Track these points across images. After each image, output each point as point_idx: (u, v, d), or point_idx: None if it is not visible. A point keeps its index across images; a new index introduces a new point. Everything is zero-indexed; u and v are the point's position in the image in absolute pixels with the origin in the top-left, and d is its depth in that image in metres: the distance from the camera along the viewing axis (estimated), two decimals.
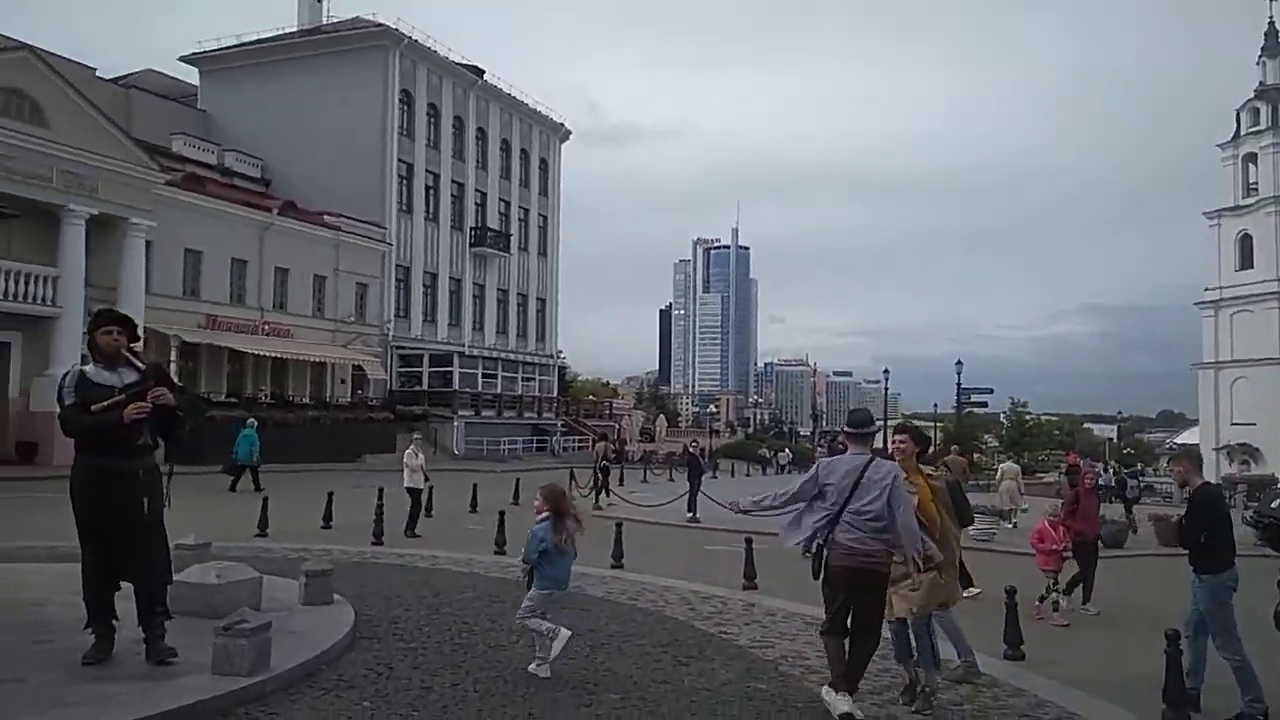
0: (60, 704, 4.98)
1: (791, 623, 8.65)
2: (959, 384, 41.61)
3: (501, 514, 13.85)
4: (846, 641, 5.67)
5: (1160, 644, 6.13)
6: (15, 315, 27.41)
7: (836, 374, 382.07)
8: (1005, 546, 16.04)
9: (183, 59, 49.74)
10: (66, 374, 5.83)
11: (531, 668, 6.31)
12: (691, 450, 21.90)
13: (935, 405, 69.18)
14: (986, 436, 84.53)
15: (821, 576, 5.81)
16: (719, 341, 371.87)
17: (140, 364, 5.87)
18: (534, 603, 6.36)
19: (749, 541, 11.18)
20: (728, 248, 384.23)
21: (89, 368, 5.78)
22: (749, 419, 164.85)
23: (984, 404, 46.74)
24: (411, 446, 16.25)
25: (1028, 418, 77.26)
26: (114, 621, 5.88)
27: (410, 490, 15.60)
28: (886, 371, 54.58)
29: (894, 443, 6.78)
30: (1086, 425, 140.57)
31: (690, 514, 19.58)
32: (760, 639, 7.90)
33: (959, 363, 41.79)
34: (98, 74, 40.28)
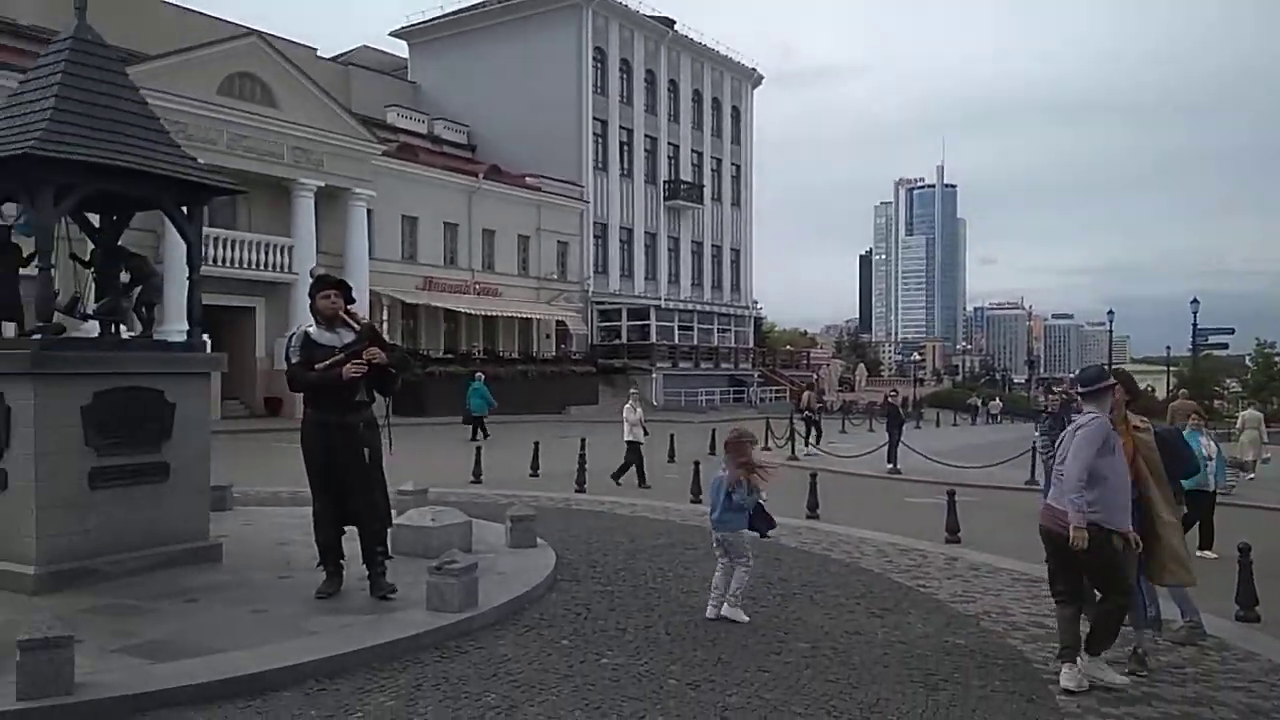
0: (300, 633, 5.55)
1: (996, 578, 8.30)
2: (1195, 324, 38.07)
3: (696, 464, 14.04)
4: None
5: None
6: (258, 282, 30.22)
7: (1055, 317, 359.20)
8: (1244, 500, 14.70)
9: (393, 33, 52.55)
10: (292, 335, 6.40)
11: (725, 610, 6.42)
12: (891, 400, 21.25)
13: (1168, 348, 63.81)
14: (1229, 381, 77.26)
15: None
16: (923, 286, 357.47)
17: (356, 325, 6.35)
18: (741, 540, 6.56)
19: (951, 494, 10.81)
20: (932, 187, 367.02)
21: (312, 329, 6.31)
22: (956, 367, 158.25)
23: (1224, 345, 42.56)
24: (630, 401, 16.69)
25: (1276, 360, 69.92)
26: (342, 561, 6.48)
27: (630, 444, 15.91)
28: (1111, 313, 50.83)
29: None
30: None
31: (890, 465, 19.10)
32: (961, 593, 7.64)
33: (1195, 301, 38.18)
34: (318, 54, 43.27)
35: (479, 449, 15.99)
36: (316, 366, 6.09)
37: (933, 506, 11.94)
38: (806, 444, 22.93)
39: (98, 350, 7.06)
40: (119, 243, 7.64)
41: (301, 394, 6.36)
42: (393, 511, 6.77)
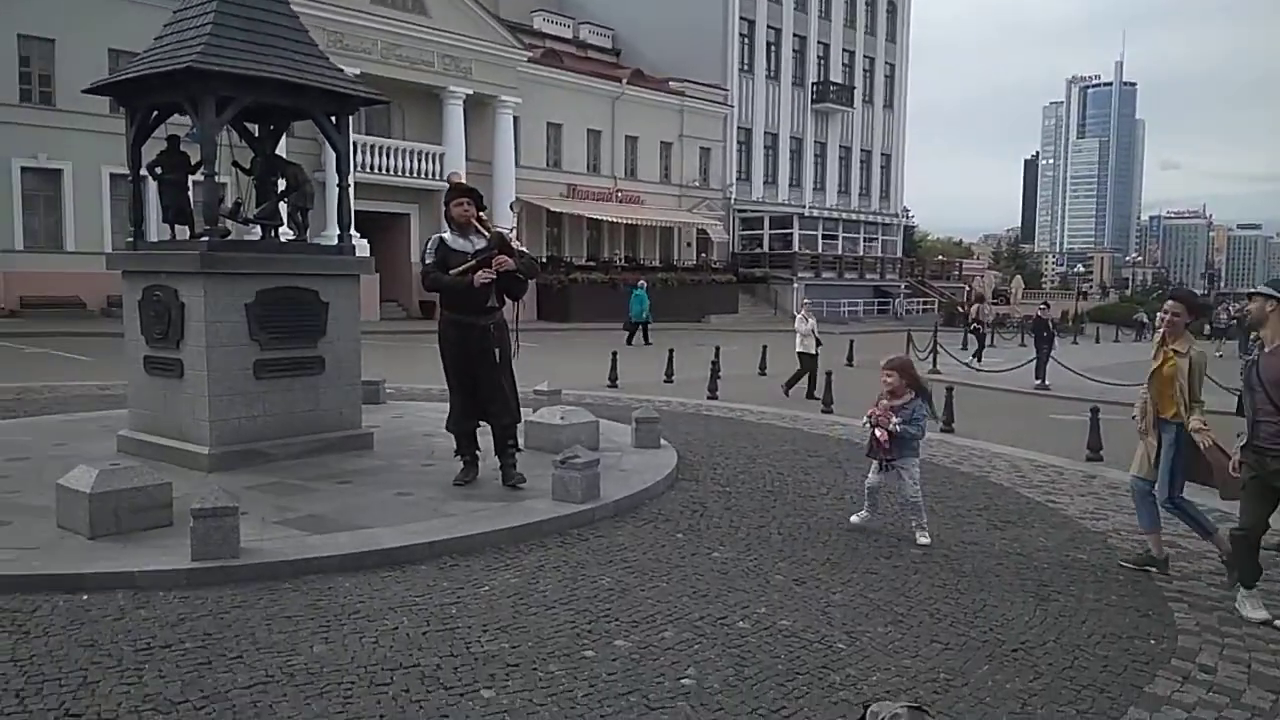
0: (438, 515, 6.04)
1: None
2: None
3: (829, 374, 13.98)
4: None
5: None
6: (412, 189, 31.40)
7: (1241, 227, 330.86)
8: None
9: None
10: (429, 240, 6.77)
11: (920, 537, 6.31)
12: (1041, 314, 20.36)
13: None
14: None
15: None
16: (1094, 193, 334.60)
17: (488, 232, 6.65)
18: (916, 469, 6.47)
19: (1095, 410, 10.44)
20: (1109, 85, 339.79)
21: (447, 235, 6.66)
22: (1126, 279, 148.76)
23: None
24: (802, 311, 16.10)
25: None
26: (477, 452, 6.94)
27: (801, 354, 15.43)
28: None
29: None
30: None
31: (1039, 381, 18.44)
32: (1092, 510, 7.47)
33: None
34: None
35: (615, 354, 16.37)
36: (451, 271, 6.44)
37: (1078, 424, 11.53)
38: (975, 357, 22.16)
39: (259, 252, 7.65)
40: (277, 152, 8.17)
41: (436, 294, 6.74)
42: (523, 408, 7.15)
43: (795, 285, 43.68)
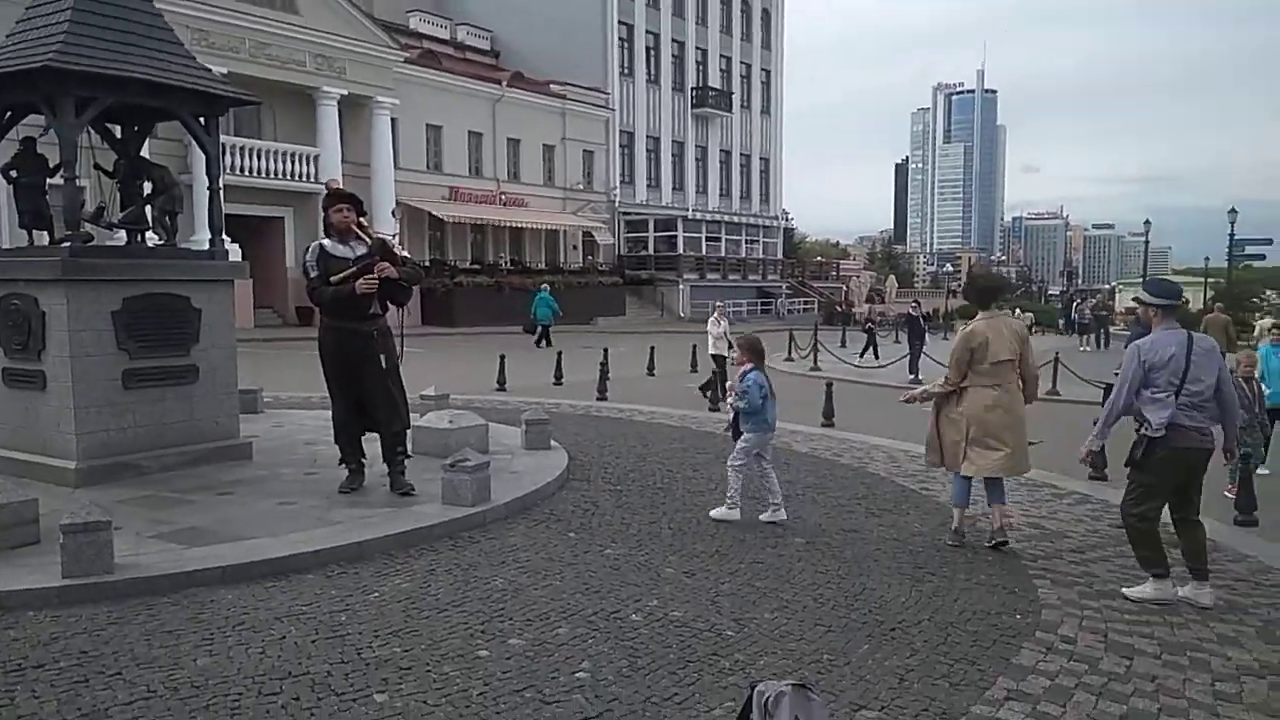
0: (323, 523, 5.92)
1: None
2: (1231, 235, 37.33)
3: (714, 373, 14.27)
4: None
5: None
6: (286, 192, 30.41)
7: (1095, 227, 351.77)
8: None
9: None
10: (309, 249, 6.63)
11: (766, 515, 6.67)
12: (912, 311, 21.25)
13: (1206, 259, 62.54)
14: (1269, 293, 75.87)
15: (1139, 463, 5.33)
16: (960, 195, 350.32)
17: (369, 238, 6.57)
18: (750, 444, 6.72)
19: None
20: (971, 92, 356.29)
21: (327, 242, 6.54)
22: None
23: (1261, 256, 41.71)
24: (714, 314, 16.15)
25: None
26: (363, 459, 6.83)
27: (714, 357, 15.35)
28: (1148, 222, 49.86)
29: None
30: None
31: (912, 375, 19.22)
32: None
33: (1232, 210, 37.34)
34: None
35: (502, 357, 16.29)
36: (332, 279, 6.33)
37: None
38: (872, 354, 22.35)
39: (125, 258, 7.34)
40: (141, 153, 7.84)
41: (320, 306, 6.61)
42: (411, 414, 7.07)
43: (681, 287, 44.25)
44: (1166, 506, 5.49)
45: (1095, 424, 5.64)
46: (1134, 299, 6.04)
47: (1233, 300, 35.19)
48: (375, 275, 6.29)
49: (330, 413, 6.88)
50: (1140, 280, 64.84)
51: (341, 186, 7.17)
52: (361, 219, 6.63)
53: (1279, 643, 4.70)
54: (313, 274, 6.48)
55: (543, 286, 28.69)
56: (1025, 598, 5.23)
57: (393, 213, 28.58)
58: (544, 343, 25.62)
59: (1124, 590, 5.36)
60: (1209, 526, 6.71)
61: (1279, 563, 6.22)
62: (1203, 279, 52.89)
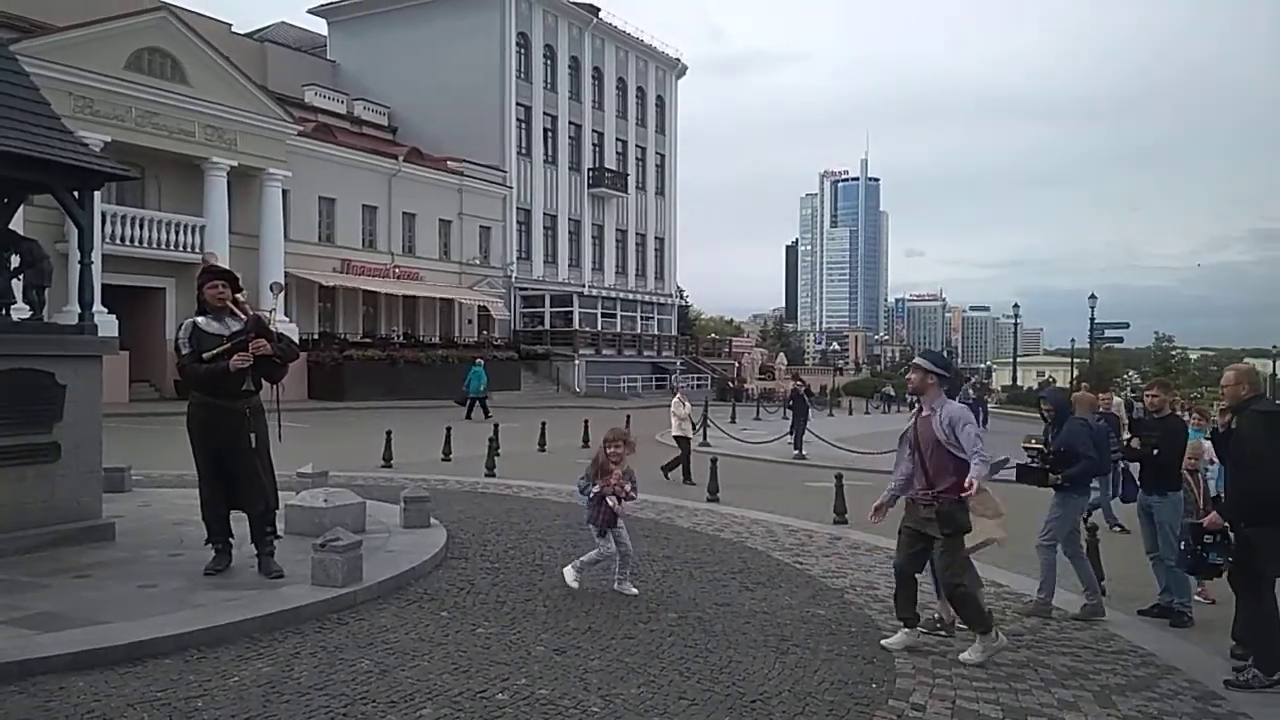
0: (185, 606, 5.76)
1: (873, 555, 8.82)
2: (1092, 319, 39.91)
3: (678, 455, 14.36)
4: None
5: None
6: (169, 262, 29.60)
7: (973, 309, 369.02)
8: None
9: (311, 11, 51.60)
10: (181, 326, 6.57)
11: (615, 586, 6.88)
12: (796, 388, 21.94)
13: (1073, 340, 66.46)
14: (1130, 373, 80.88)
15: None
16: (847, 277, 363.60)
17: (244, 314, 6.55)
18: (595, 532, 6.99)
19: (839, 477, 11.36)
20: (856, 179, 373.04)
21: (200, 319, 6.49)
22: (878, 356, 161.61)
23: (1119, 340, 44.67)
24: (678, 396, 16.19)
25: (1174, 352, 73.46)
26: (230, 539, 6.68)
27: (678, 439, 15.45)
28: (1016, 306, 52.82)
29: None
30: (1247, 360, 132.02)
31: (796, 451, 19.77)
32: (834, 569, 8.15)
33: (1093, 296, 40.02)
34: (233, 29, 42.31)
35: (389, 433, 16.08)
36: (205, 356, 6.28)
37: (831, 490, 12.46)
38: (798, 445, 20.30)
39: None
40: (9, 226, 7.66)
41: (184, 377, 6.53)
42: (286, 492, 6.97)
43: (577, 362, 44.51)
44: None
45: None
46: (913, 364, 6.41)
47: (1097, 379, 37.45)
48: (249, 352, 6.27)
49: (198, 490, 6.73)
50: (1011, 360, 68.25)
51: (217, 261, 7.16)
52: (238, 295, 6.62)
53: (1113, 706, 5.04)
54: (184, 350, 6.41)
55: (478, 361, 29.80)
56: (882, 667, 5.47)
57: (272, 289, 28.06)
58: (482, 414, 26.67)
59: (960, 657, 5.66)
60: (1060, 598, 7.17)
61: (1122, 630, 6.64)
62: (1069, 359, 55.96)
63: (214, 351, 6.27)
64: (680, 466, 15.16)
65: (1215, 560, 5.92)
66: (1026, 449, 7.33)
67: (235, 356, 6.22)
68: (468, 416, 26.27)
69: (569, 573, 6.84)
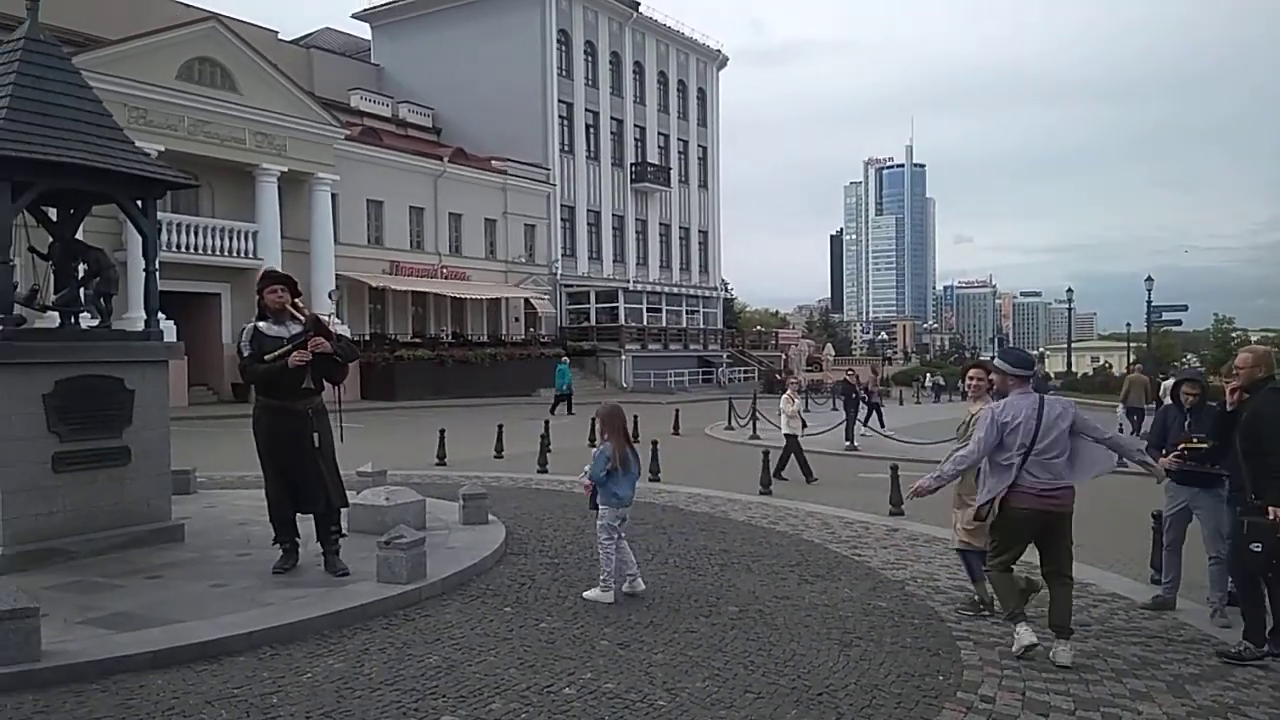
0: (255, 605, 5.89)
1: (931, 547, 8.72)
2: (1149, 302, 38.98)
3: (655, 443, 14.41)
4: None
5: None
6: (223, 268, 30.21)
7: (1024, 294, 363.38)
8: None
9: (355, 15, 52.22)
10: (243, 330, 6.70)
11: (625, 587, 6.56)
12: (847, 379, 21.71)
13: (1128, 325, 65.07)
14: (1189, 356, 79.05)
15: (993, 520, 5.68)
16: (894, 265, 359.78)
17: (303, 316, 6.67)
18: (605, 520, 6.54)
19: (894, 468, 11.25)
20: (901, 166, 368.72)
21: (262, 323, 6.62)
22: (926, 345, 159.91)
23: (1177, 322, 43.57)
24: (788, 392, 15.36)
25: (1234, 334, 71.61)
26: (297, 539, 6.81)
27: (787, 436, 14.63)
28: (1070, 290, 51.78)
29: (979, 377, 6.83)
30: None
31: (848, 443, 19.59)
32: (893, 561, 8.07)
33: (1149, 279, 39.09)
34: (279, 37, 42.99)
35: (442, 431, 16.25)
36: (266, 357, 6.41)
37: (884, 481, 12.36)
38: (866, 425, 20.76)
39: (58, 340, 7.30)
40: (77, 236, 7.87)
41: (253, 385, 6.66)
42: (347, 492, 7.09)
43: (623, 357, 44.60)
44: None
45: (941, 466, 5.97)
46: (994, 367, 6.31)
47: (1155, 364, 36.61)
48: (308, 349, 6.38)
49: (264, 492, 6.86)
50: (1065, 346, 66.99)
51: (274, 268, 7.33)
52: (296, 299, 6.73)
53: (1187, 696, 4.93)
54: (245, 353, 6.54)
55: (563, 359, 31.07)
56: (948, 659, 5.40)
57: (330, 296, 28.62)
58: (567, 409, 27.83)
59: (1013, 649, 5.50)
60: (1128, 585, 7.04)
61: (1193, 620, 6.49)
62: (1125, 344, 54.80)
63: (276, 353, 6.39)
64: (793, 464, 14.17)
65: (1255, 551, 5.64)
66: (1189, 448, 6.50)
67: (295, 353, 6.34)
68: (552, 410, 27.21)
69: (594, 593, 6.48)
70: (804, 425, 14.87)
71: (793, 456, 14.32)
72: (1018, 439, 5.53)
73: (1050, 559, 5.63)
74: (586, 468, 6.64)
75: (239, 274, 30.54)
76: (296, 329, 6.58)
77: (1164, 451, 6.67)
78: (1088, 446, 5.61)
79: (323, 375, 6.67)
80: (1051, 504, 5.52)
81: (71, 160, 6.88)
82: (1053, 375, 54.14)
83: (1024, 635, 5.44)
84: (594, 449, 6.75)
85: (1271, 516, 5.55)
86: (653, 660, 5.22)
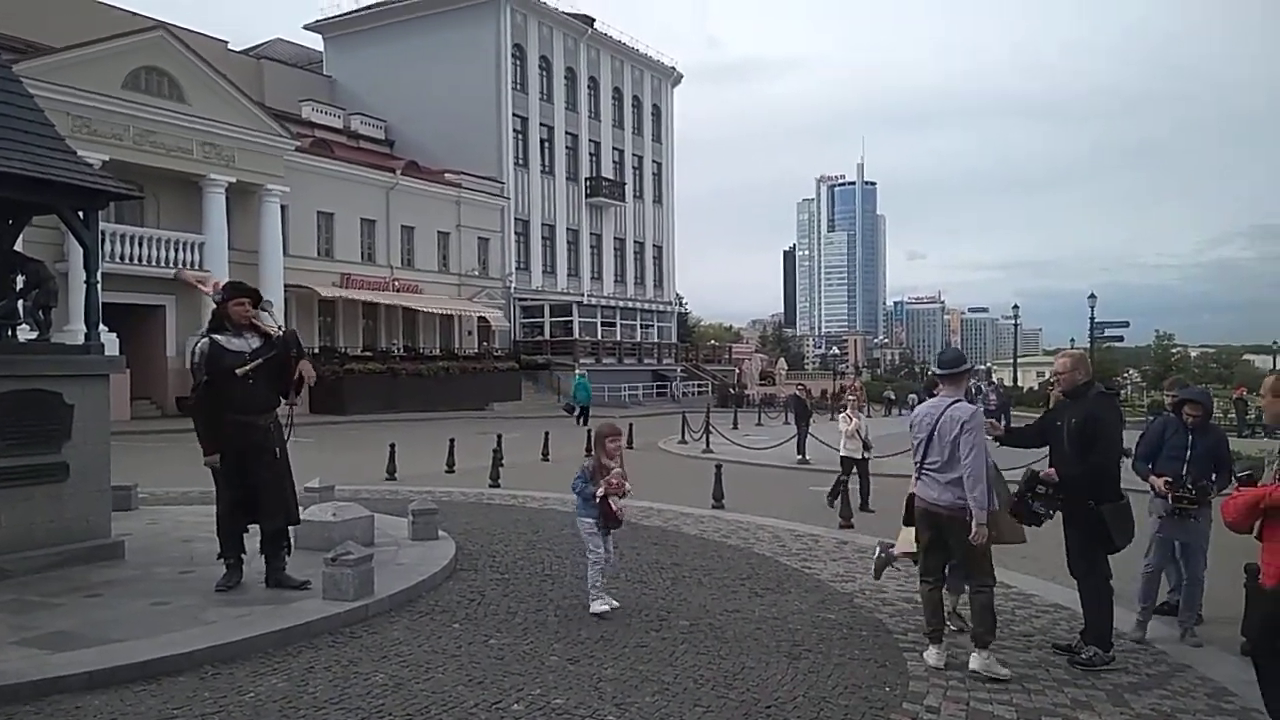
0: (197, 623, 5.77)
1: None
2: (1092, 318, 39.93)
3: (840, 479, 14.04)
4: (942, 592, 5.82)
5: None
6: (168, 280, 29.55)
7: (972, 310, 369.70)
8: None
9: (308, 26, 51.79)
10: (197, 344, 6.55)
11: (595, 607, 6.48)
12: (798, 394, 21.95)
13: (1072, 340, 66.56)
14: (1130, 371, 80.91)
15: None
16: (845, 281, 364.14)
17: (275, 332, 6.67)
18: (586, 530, 6.54)
19: (844, 482, 11.37)
20: (853, 184, 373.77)
21: (220, 336, 6.52)
22: (878, 360, 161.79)
23: (1119, 339, 44.66)
24: (847, 410, 13.56)
25: (1174, 350, 73.52)
26: (243, 554, 6.70)
27: (844, 460, 12.98)
28: (1016, 307, 52.85)
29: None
30: (1246, 356, 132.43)
31: (800, 456, 19.75)
32: (843, 574, 8.15)
33: (1092, 296, 40.06)
34: (230, 47, 42.44)
35: (393, 445, 16.09)
36: (238, 371, 6.36)
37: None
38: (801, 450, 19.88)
39: None
40: (15, 247, 7.69)
41: (190, 402, 6.57)
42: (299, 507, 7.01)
43: (577, 371, 44.48)
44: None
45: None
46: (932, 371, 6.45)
47: (1099, 378, 37.35)
48: (300, 376, 6.49)
49: (214, 508, 6.74)
50: (1011, 361, 68.29)
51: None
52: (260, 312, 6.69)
53: (1126, 705, 5.04)
54: (202, 377, 6.43)
55: (580, 372, 31.82)
56: (895, 670, 5.47)
57: (262, 304, 27.98)
58: (583, 420, 28.39)
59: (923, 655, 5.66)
60: (1069, 596, 7.15)
61: (1129, 628, 6.64)
62: None
63: (249, 367, 6.36)
64: (843, 492, 11.62)
65: (1038, 510, 5.87)
66: (1185, 497, 6.32)
67: (307, 368, 6.52)
68: (578, 421, 28.40)
69: (597, 606, 6.43)
70: (867, 447, 12.84)
71: (848, 482, 11.97)
72: (915, 444, 5.72)
73: (958, 563, 5.71)
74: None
75: (184, 286, 29.95)
76: (257, 342, 6.52)
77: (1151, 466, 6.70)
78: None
79: (282, 391, 6.61)
80: (940, 509, 5.58)
81: (10, 170, 6.72)
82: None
83: (930, 655, 5.60)
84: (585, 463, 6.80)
85: (1043, 475, 5.83)
86: (602, 675, 5.21)
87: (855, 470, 12.84)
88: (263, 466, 6.49)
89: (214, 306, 6.71)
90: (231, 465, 6.49)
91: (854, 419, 13.16)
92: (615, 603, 6.60)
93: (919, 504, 5.74)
